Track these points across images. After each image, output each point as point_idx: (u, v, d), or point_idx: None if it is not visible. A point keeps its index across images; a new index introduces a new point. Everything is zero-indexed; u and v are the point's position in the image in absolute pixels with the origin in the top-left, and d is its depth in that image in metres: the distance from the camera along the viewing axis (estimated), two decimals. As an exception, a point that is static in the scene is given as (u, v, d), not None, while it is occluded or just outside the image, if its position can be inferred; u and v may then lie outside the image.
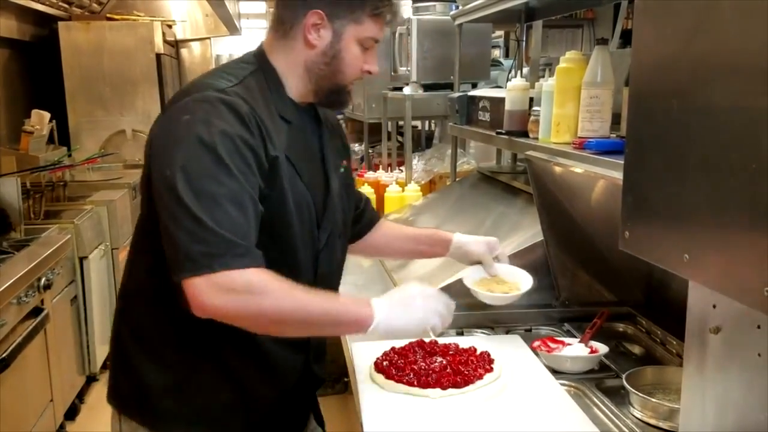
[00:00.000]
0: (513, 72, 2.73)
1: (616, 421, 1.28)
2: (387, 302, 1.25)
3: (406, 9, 3.16)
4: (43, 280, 2.72)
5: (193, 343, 1.27)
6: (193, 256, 1.10)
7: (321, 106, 1.40)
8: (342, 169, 1.43)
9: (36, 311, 2.67)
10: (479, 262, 1.57)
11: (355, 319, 1.23)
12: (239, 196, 1.14)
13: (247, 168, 1.16)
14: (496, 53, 3.66)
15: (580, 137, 1.54)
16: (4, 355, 2.26)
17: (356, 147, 5.22)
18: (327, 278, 1.36)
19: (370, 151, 4.39)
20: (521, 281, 1.56)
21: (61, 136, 4.46)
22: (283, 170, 1.23)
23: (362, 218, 1.58)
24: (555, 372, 1.45)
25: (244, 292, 1.13)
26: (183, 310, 1.14)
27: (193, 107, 1.18)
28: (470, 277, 1.55)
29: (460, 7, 2.60)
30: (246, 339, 1.23)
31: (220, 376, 1.29)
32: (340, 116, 7.14)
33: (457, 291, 1.73)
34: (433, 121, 4.31)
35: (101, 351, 3.50)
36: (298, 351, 1.35)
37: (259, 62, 1.32)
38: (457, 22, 2.61)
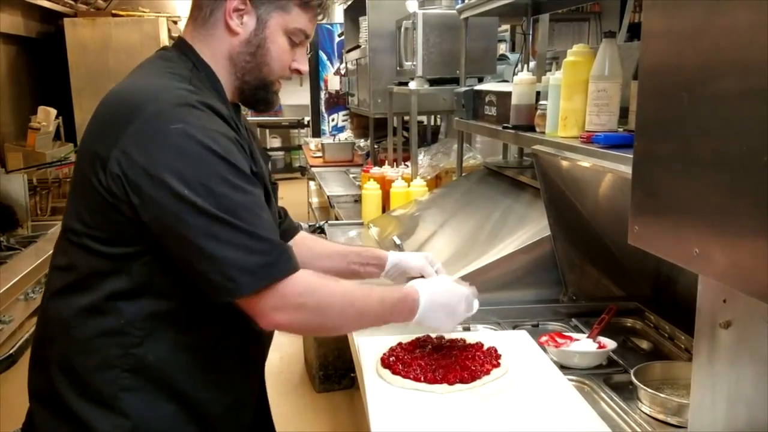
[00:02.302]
0: (519, 66, 2.71)
1: (625, 416, 1.27)
2: (426, 281, 1.32)
3: (411, 3, 3.15)
4: (50, 276, 2.72)
5: (147, 379, 1.15)
6: (252, 269, 1.05)
7: (246, 106, 1.29)
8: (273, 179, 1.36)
9: (43, 307, 2.67)
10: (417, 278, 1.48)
11: (405, 301, 1.26)
12: (260, 199, 1.12)
13: (248, 168, 1.12)
14: (503, 47, 3.64)
15: (587, 131, 1.53)
16: (11, 352, 2.27)
17: (362, 142, 5.22)
18: None
19: (376, 146, 4.38)
20: None
21: (68, 132, 4.47)
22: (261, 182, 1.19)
23: (281, 227, 1.45)
24: (563, 367, 1.44)
25: (309, 303, 1.12)
26: (139, 339, 1.12)
27: (178, 114, 1.06)
28: None
29: (466, 1, 2.59)
30: (206, 364, 1.19)
31: (181, 411, 1.18)
32: (344, 111, 7.14)
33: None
34: (438, 116, 4.30)
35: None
36: (253, 365, 1.33)
37: (190, 58, 1.21)
38: (463, 16, 2.60)
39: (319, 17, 1.27)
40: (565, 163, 1.61)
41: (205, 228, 1.04)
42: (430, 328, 1.36)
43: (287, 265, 1.10)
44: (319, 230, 2.83)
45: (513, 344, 1.49)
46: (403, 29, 3.12)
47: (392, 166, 3.46)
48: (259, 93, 1.26)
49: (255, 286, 1.06)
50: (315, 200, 4.98)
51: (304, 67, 1.28)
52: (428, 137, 4.28)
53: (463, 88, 2.54)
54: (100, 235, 1.12)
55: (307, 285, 1.13)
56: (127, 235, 1.11)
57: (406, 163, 3.45)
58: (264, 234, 1.08)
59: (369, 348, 1.48)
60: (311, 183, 5.14)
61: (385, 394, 1.30)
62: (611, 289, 1.82)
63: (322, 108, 8.08)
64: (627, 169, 1.17)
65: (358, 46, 4.17)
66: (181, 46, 1.24)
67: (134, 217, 1.08)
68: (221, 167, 1.06)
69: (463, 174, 2.79)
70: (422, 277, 1.48)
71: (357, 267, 1.51)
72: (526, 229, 1.88)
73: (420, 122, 4.07)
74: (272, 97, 1.28)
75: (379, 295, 1.25)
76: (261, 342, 1.34)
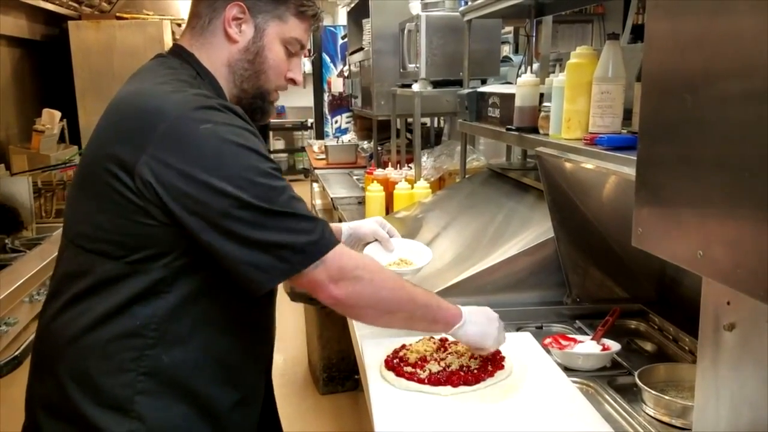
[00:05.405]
0: (523, 68, 2.71)
1: (629, 418, 1.27)
2: (471, 310, 1.33)
3: (415, 5, 3.15)
4: (54, 278, 2.73)
5: (162, 381, 1.15)
6: (301, 247, 1.10)
7: None
8: None
9: (48, 309, 2.68)
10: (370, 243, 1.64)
11: (446, 317, 1.29)
12: (289, 184, 1.15)
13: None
14: (506, 49, 3.64)
15: (591, 133, 1.53)
16: (16, 353, 2.27)
17: (365, 144, 5.23)
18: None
19: (379, 148, 4.39)
20: (422, 256, 1.66)
21: (72, 134, 4.48)
22: None
23: None
24: (567, 369, 1.44)
25: (365, 276, 1.17)
26: (154, 341, 1.12)
27: (203, 115, 1.09)
28: (376, 257, 1.58)
29: (469, 3, 2.59)
30: (217, 361, 1.19)
31: (193, 411, 1.18)
32: (348, 113, 7.14)
33: (464, 288, 1.74)
34: (442, 117, 4.30)
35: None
36: (260, 360, 1.34)
37: (192, 65, 1.24)
38: (467, 18, 2.60)
39: (315, 27, 1.30)
40: (568, 165, 1.61)
41: (251, 219, 1.07)
42: (470, 340, 1.34)
43: (332, 238, 1.14)
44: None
45: (517, 346, 1.49)
46: (406, 31, 3.12)
47: (395, 168, 3.46)
48: (256, 102, 1.29)
49: (307, 263, 1.11)
50: (318, 202, 4.98)
51: (299, 76, 1.31)
52: (431, 139, 4.28)
53: (467, 90, 2.55)
54: (120, 239, 1.12)
55: (361, 259, 1.21)
56: (150, 238, 1.11)
57: (410, 165, 3.45)
58: (305, 213, 1.13)
59: (373, 350, 1.48)
60: (314, 185, 5.14)
61: (389, 396, 1.30)
62: (615, 291, 1.82)
63: (326, 110, 8.09)
64: (631, 171, 1.17)
65: (361, 48, 4.18)
66: (180, 53, 1.26)
67: (166, 220, 1.09)
68: (255, 159, 1.10)
69: (467, 176, 2.79)
70: (376, 241, 1.64)
71: None
72: (530, 231, 1.88)
73: (423, 124, 4.07)
74: (268, 107, 1.31)
75: (425, 291, 1.31)
76: (268, 336, 1.36)
